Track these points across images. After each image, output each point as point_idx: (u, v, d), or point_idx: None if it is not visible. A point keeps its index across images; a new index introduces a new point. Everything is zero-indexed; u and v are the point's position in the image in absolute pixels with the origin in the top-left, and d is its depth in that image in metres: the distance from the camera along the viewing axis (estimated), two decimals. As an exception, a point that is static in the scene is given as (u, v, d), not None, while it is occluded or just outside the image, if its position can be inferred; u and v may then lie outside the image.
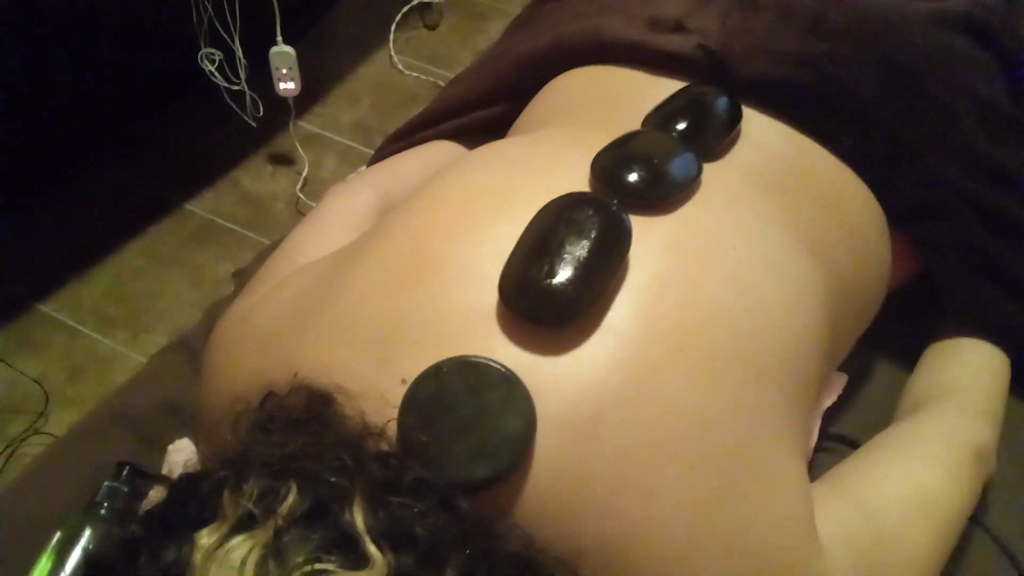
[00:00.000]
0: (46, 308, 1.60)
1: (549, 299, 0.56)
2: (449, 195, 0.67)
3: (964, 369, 0.81)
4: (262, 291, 0.71)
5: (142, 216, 1.74)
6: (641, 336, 0.57)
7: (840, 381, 0.82)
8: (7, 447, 1.40)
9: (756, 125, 0.76)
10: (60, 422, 1.47)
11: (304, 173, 1.80)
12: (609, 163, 0.66)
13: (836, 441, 0.80)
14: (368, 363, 0.58)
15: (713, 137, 0.73)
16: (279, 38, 1.63)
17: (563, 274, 0.57)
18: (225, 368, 0.67)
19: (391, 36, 2.10)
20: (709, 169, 0.69)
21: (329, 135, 1.91)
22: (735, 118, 0.75)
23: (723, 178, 0.70)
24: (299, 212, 1.76)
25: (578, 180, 0.66)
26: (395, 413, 0.53)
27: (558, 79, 0.86)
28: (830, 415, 0.81)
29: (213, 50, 1.62)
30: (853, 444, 0.79)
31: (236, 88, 1.66)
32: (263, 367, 0.63)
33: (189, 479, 0.50)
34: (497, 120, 0.92)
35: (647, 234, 0.62)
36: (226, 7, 1.53)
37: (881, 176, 0.77)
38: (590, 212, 0.60)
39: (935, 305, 0.87)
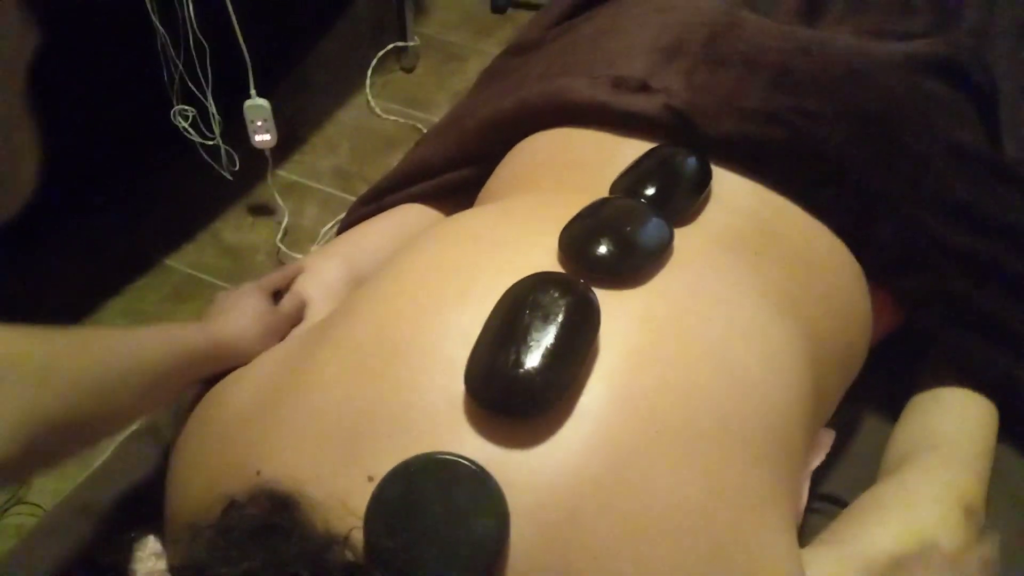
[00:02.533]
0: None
1: (517, 391, 0.54)
2: (413, 276, 0.65)
3: (949, 419, 0.79)
4: (231, 375, 0.70)
5: (121, 274, 1.72)
6: (616, 421, 0.56)
7: (828, 438, 0.80)
8: (-11, 519, 1.37)
9: (727, 185, 0.75)
10: (43, 490, 1.44)
11: (284, 223, 1.79)
12: (576, 236, 0.65)
13: (825, 501, 0.79)
14: (333, 459, 0.56)
15: (683, 200, 0.71)
16: (252, 91, 1.62)
17: (530, 363, 0.55)
18: (188, 465, 0.65)
19: (368, 80, 2.09)
20: (680, 234, 0.68)
21: (308, 183, 1.90)
22: (705, 179, 0.73)
23: (695, 244, 0.69)
24: (280, 262, 1.75)
25: (545, 255, 0.64)
26: (361, 516, 0.51)
27: (524, 143, 0.84)
28: (819, 474, 0.79)
29: (186, 107, 1.60)
30: (843, 503, 0.77)
31: (211, 143, 1.65)
32: (226, 462, 0.61)
33: None
34: (465, 183, 0.90)
35: (618, 310, 0.61)
36: (196, 64, 1.52)
37: (856, 230, 0.76)
38: (556, 294, 0.58)
39: (919, 355, 0.85)
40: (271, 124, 1.67)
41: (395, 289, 0.65)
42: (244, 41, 1.51)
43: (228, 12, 1.46)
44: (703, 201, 0.73)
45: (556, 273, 0.61)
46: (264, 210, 1.84)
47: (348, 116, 2.05)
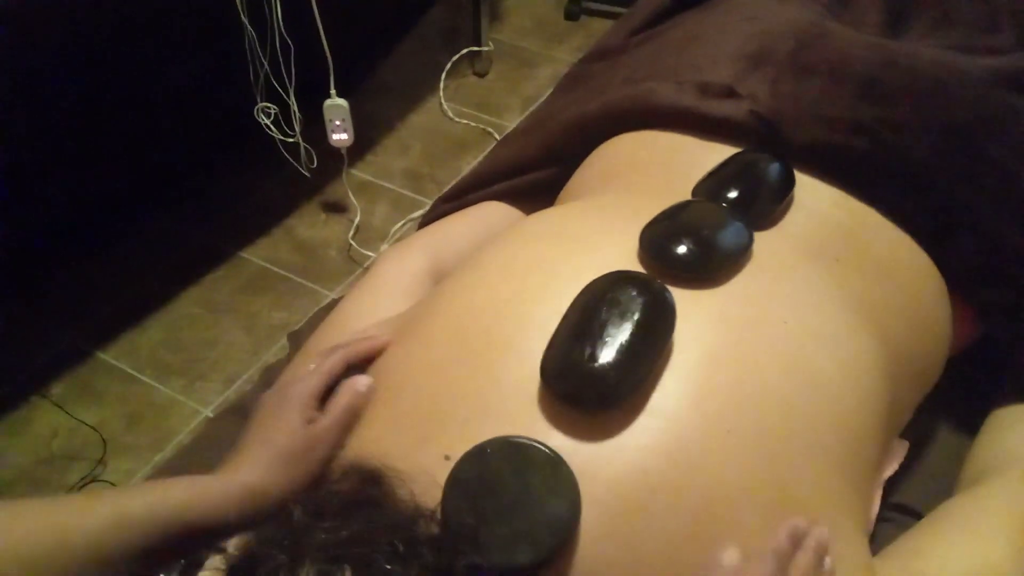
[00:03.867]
0: (105, 356, 1.64)
1: (591, 384, 0.56)
2: (494, 270, 0.67)
3: (1028, 437, 0.78)
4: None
5: (198, 265, 1.77)
6: (688, 418, 0.57)
7: (901, 449, 0.79)
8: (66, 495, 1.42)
9: (809, 192, 0.75)
10: (117, 469, 1.49)
11: (356, 220, 1.83)
12: (657, 236, 0.66)
13: (898, 511, 0.78)
14: (412, 439, 0.58)
15: (765, 205, 0.72)
16: (332, 91, 1.66)
17: (605, 358, 0.56)
18: None
19: (441, 84, 2.13)
20: (760, 239, 0.69)
21: (381, 183, 1.94)
22: (788, 185, 0.74)
23: (775, 248, 0.69)
24: (351, 259, 1.79)
25: (626, 254, 0.66)
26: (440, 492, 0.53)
27: (608, 144, 0.86)
28: (892, 484, 0.79)
29: (269, 104, 1.65)
30: (916, 514, 0.77)
31: (291, 140, 1.69)
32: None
33: (247, 563, 0.50)
34: (547, 182, 0.92)
35: (695, 309, 0.62)
36: (282, 63, 1.57)
37: (939, 241, 0.76)
38: (633, 292, 0.60)
39: (998, 370, 0.84)
40: (349, 124, 1.72)
41: (477, 282, 0.67)
42: (327, 42, 1.56)
43: (313, 14, 1.51)
44: (785, 207, 0.74)
45: (634, 272, 0.63)
46: (337, 207, 1.88)
47: (421, 119, 2.08)
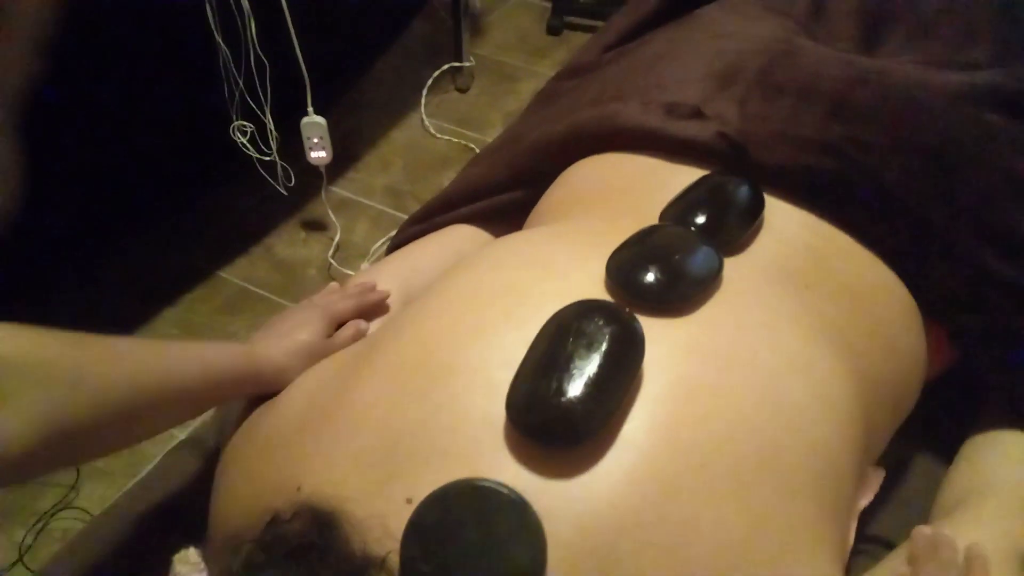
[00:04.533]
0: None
1: (559, 420, 0.54)
2: (460, 295, 0.65)
3: (1006, 464, 0.77)
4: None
5: (175, 284, 1.75)
6: (659, 452, 0.55)
7: (877, 478, 0.77)
8: (38, 521, 1.40)
9: (779, 215, 0.74)
10: (91, 495, 1.46)
11: (336, 239, 1.81)
12: (624, 263, 0.64)
13: (873, 543, 0.76)
14: (373, 478, 0.56)
15: (734, 230, 0.70)
16: (310, 108, 1.65)
17: (573, 392, 0.54)
18: (233, 478, 0.66)
19: (423, 100, 2.11)
20: (730, 264, 0.67)
21: (361, 200, 1.92)
22: (757, 208, 0.72)
23: (744, 274, 0.68)
24: (331, 277, 1.77)
25: (592, 281, 0.64)
26: (398, 538, 0.51)
27: (575, 166, 0.84)
28: (867, 513, 0.77)
29: (245, 122, 1.63)
30: (890, 545, 0.75)
31: (268, 158, 1.67)
32: (270, 476, 0.62)
33: None
34: (516, 205, 0.91)
35: (664, 339, 0.60)
36: (256, 81, 1.55)
37: (912, 265, 0.74)
38: (600, 322, 0.58)
39: (974, 395, 0.83)
40: (327, 141, 1.70)
41: (440, 309, 0.65)
42: (303, 59, 1.54)
43: (289, 31, 1.49)
44: (754, 231, 0.72)
45: (601, 301, 0.61)
46: (317, 226, 1.87)
47: (402, 135, 2.07)
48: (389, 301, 0.81)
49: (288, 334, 0.73)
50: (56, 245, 1.61)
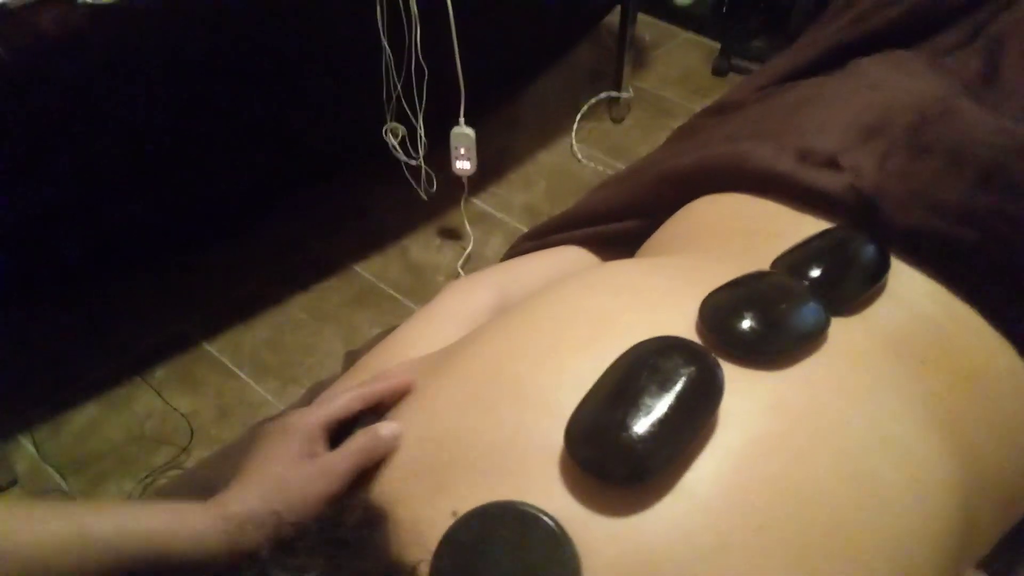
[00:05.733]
0: (209, 348, 1.69)
1: (617, 455, 0.51)
2: (544, 314, 0.64)
3: None
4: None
5: (310, 272, 1.82)
6: (718, 506, 0.51)
7: (976, 581, 0.71)
8: (147, 476, 1.47)
9: (904, 282, 0.68)
10: (200, 458, 1.53)
11: (469, 249, 1.83)
12: (720, 306, 0.61)
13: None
14: (425, 486, 0.55)
15: (851, 290, 0.66)
16: (461, 119, 1.68)
17: (636, 428, 0.52)
18: None
19: (575, 125, 2.12)
20: (839, 325, 0.63)
21: (499, 215, 1.94)
22: (881, 271, 0.68)
23: (854, 338, 0.63)
24: (458, 287, 1.79)
25: (683, 319, 0.61)
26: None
27: (696, 202, 0.81)
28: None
29: (398, 124, 1.68)
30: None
31: (415, 162, 1.71)
32: None
33: None
34: (632, 233, 0.88)
35: (748, 390, 0.57)
36: (414, 86, 1.59)
37: (1048, 356, 0.67)
38: (679, 361, 0.55)
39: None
40: (473, 153, 1.72)
41: (521, 325, 0.63)
42: (462, 70, 1.57)
43: (452, 41, 1.53)
44: (874, 294, 0.67)
45: (684, 340, 0.58)
46: (453, 234, 1.90)
47: (550, 157, 2.08)
48: (484, 308, 0.80)
49: (253, 474, 0.60)
50: (206, 214, 1.70)
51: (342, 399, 0.64)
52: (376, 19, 1.50)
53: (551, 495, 0.51)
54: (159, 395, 1.59)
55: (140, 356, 1.66)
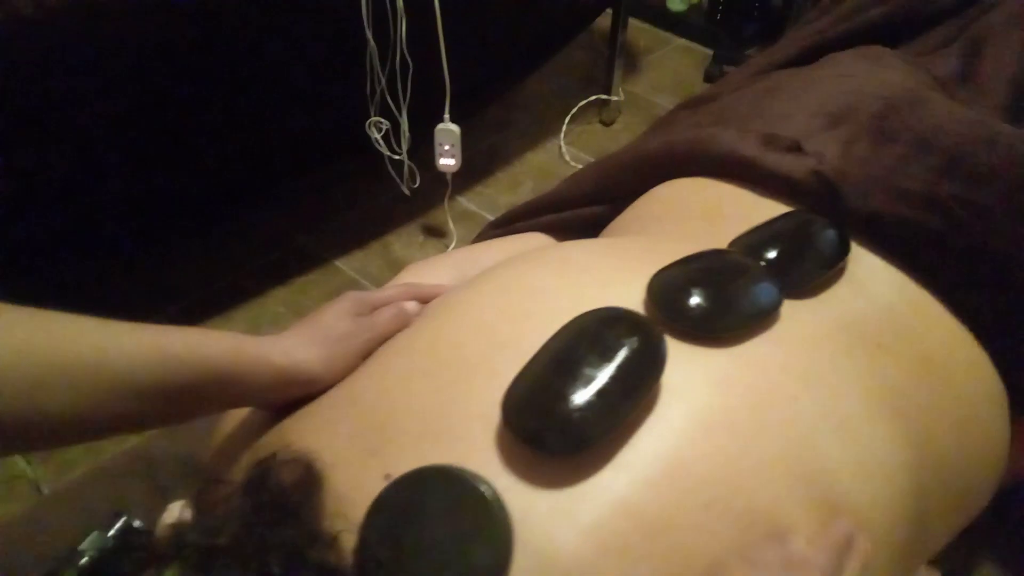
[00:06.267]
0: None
1: (553, 424, 0.50)
2: (490, 289, 0.63)
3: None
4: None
5: (291, 266, 1.80)
6: (660, 481, 0.50)
7: (932, 577, 0.69)
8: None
9: (863, 267, 0.67)
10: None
11: (451, 246, 1.82)
12: (669, 282, 0.60)
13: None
14: (359, 449, 0.54)
15: (807, 272, 0.65)
16: (446, 115, 1.67)
17: (572, 397, 0.50)
18: (225, 421, 0.66)
19: (564, 127, 2.11)
20: (794, 307, 0.61)
21: (484, 213, 1.92)
22: (839, 254, 0.66)
23: (808, 320, 0.62)
24: (440, 285, 1.77)
25: (631, 295, 0.60)
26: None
27: (659, 187, 0.80)
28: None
29: (381, 119, 1.67)
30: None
31: (398, 157, 1.70)
32: (256, 425, 0.61)
33: (121, 549, 0.47)
34: (595, 219, 0.87)
35: (694, 365, 0.55)
36: (399, 80, 1.58)
37: (1007, 346, 0.66)
38: (621, 331, 0.54)
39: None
40: (457, 150, 1.71)
41: (468, 299, 0.62)
42: (448, 66, 1.56)
43: (438, 36, 1.52)
44: (831, 278, 0.66)
45: (627, 311, 0.57)
46: (436, 232, 1.88)
47: (537, 157, 2.07)
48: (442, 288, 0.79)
49: (310, 323, 0.65)
50: (187, 203, 1.69)
51: (391, 288, 0.71)
52: (361, 11, 1.49)
53: (487, 463, 0.50)
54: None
55: (194, 303, 1.65)
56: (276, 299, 1.75)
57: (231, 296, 1.75)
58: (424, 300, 0.71)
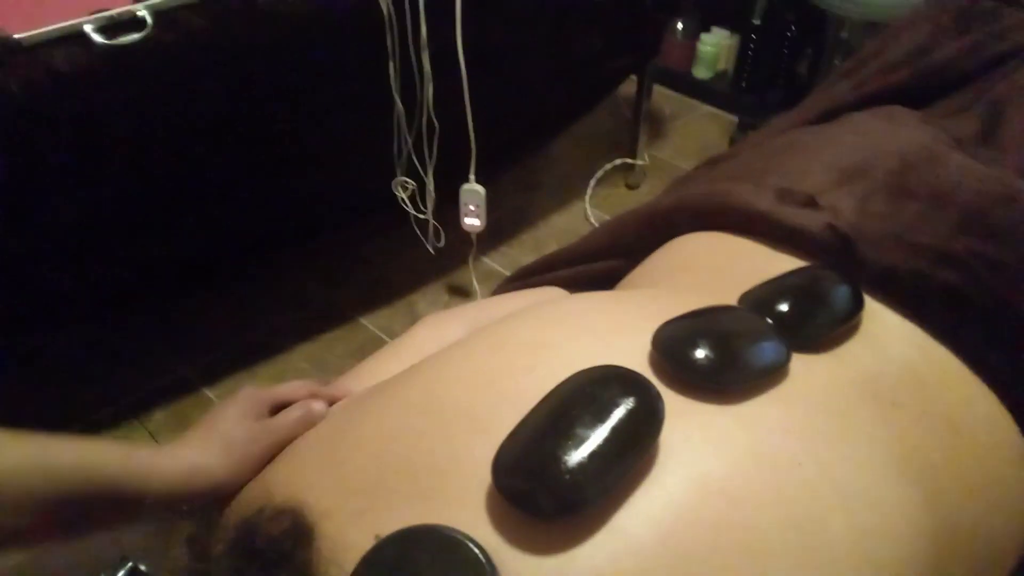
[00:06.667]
0: (210, 393, 1.68)
1: (545, 488, 0.48)
2: (491, 343, 0.62)
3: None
4: None
5: (316, 322, 1.82)
6: (652, 547, 0.48)
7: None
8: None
9: (879, 323, 0.66)
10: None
11: (476, 307, 1.82)
12: (675, 335, 0.59)
13: None
14: (353, 506, 0.53)
15: (819, 327, 0.63)
16: (472, 176, 1.69)
17: (564, 460, 0.48)
18: None
19: (589, 190, 2.12)
20: (805, 363, 0.60)
21: (507, 273, 1.93)
22: (853, 310, 0.65)
23: (818, 377, 0.60)
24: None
25: (635, 349, 0.59)
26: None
27: (673, 241, 0.80)
28: None
29: (407, 180, 1.69)
30: None
31: (423, 217, 1.72)
32: (267, 478, 0.61)
33: None
34: (611, 273, 0.87)
35: (694, 424, 0.54)
36: (425, 141, 1.61)
37: (1030, 406, 0.64)
38: (617, 391, 0.52)
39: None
40: (483, 211, 1.73)
41: (468, 352, 0.62)
42: (473, 128, 1.58)
43: (464, 98, 1.55)
44: (845, 334, 0.64)
45: (625, 369, 0.55)
46: (460, 291, 1.89)
47: (562, 220, 2.08)
48: (452, 341, 0.78)
49: (206, 428, 0.63)
50: (214, 258, 1.71)
51: (291, 384, 0.69)
52: (389, 73, 1.53)
53: (477, 525, 0.49)
54: (153, 438, 1.57)
55: (139, 400, 1.65)
56: (301, 355, 1.76)
57: (255, 352, 1.76)
58: (329, 401, 0.68)
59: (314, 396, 0.68)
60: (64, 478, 0.53)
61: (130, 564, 0.67)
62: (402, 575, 0.46)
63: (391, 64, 1.52)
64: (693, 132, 2.41)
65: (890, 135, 0.81)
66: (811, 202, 0.72)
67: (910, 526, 0.56)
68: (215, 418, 0.64)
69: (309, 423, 0.64)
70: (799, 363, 0.59)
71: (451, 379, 0.59)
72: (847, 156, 0.77)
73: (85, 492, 0.54)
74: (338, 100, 1.56)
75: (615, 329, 0.62)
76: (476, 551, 0.46)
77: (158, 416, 1.63)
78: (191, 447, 0.61)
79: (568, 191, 2.14)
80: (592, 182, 2.14)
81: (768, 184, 0.76)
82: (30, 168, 1.24)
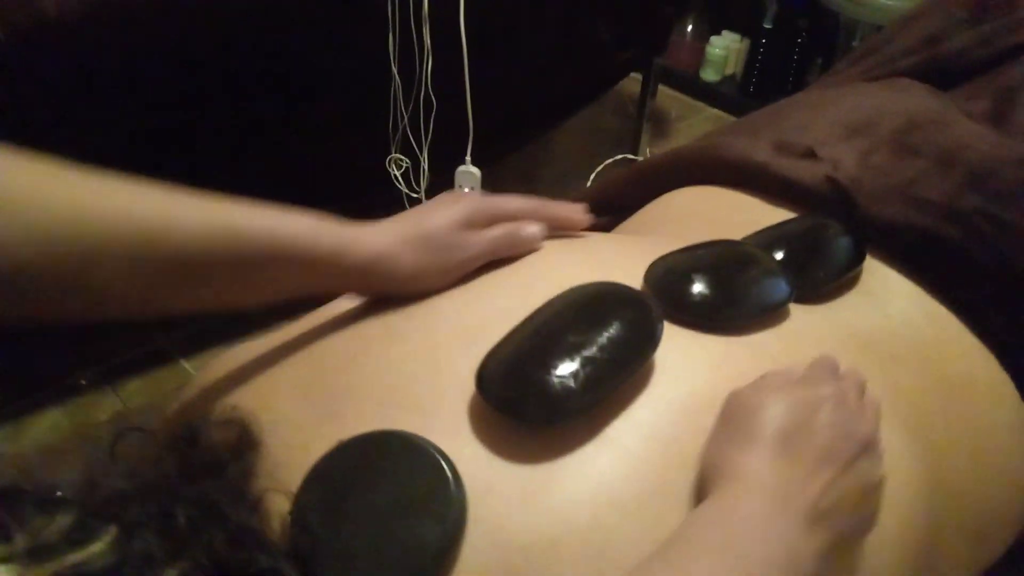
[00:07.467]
0: (187, 365, 1.64)
1: (532, 392, 0.45)
2: (493, 268, 0.59)
3: None
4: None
5: (300, 299, 1.77)
6: (647, 459, 0.45)
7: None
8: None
9: (880, 279, 0.63)
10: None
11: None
12: (670, 269, 0.56)
13: None
14: (313, 413, 0.49)
15: (820, 277, 0.60)
16: (468, 157, 1.65)
17: (557, 366, 0.46)
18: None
19: (588, 183, 2.09)
20: (804, 312, 0.57)
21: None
22: (854, 261, 0.62)
23: (818, 326, 0.57)
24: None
25: (630, 281, 0.55)
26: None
27: (666, 195, 0.77)
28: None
29: (402, 157, 1.66)
30: None
31: (416, 196, 1.69)
32: (212, 384, 0.58)
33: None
34: (604, 229, 0.83)
35: (694, 347, 0.51)
36: (421, 118, 1.58)
37: (1032, 368, 0.60)
38: (615, 304, 0.50)
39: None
40: (477, 193, 1.69)
41: (470, 276, 0.58)
42: (472, 108, 1.55)
43: (463, 76, 1.51)
44: (845, 286, 0.61)
45: (623, 286, 0.52)
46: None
47: (559, 211, 2.04)
48: None
49: (415, 220, 0.57)
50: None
51: (514, 201, 0.60)
52: (388, 47, 1.50)
53: (455, 433, 0.46)
54: (125, 405, 1.53)
55: (115, 367, 1.61)
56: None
57: (236, 325, 1.68)
58: (554, 225, 0.61)
59: (536, 214, 0.60)
60: (249, 245, 0.49)
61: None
62: (357, 481, 0.43)
63: (390, 36, 1.49)
64: (697, 134, 2.37)
65: (898, 100, 0.78)
66: (810, 153, 0.69)
67: (907, 474, 0.52)
68: (429, 213, 0.56)
69: (515, 247, 0.58)
70: (798, 312, 0.56)
71: (449, 295, 0.55)
72: (851, 114, 0.74)
73: (268, 262, 0.51)
74: (335, 70, 1.53)
75: (610, 261, 0.59)
76: (438, 457, 0.43)
77: (133, 385, 1.59)
78: (391, 234, 0.55)
79: (566, 184, 2.11)
80: (591, 176, 2.11)
81: (766, 136, 0.73)
82: (11, 121, 1.21)
